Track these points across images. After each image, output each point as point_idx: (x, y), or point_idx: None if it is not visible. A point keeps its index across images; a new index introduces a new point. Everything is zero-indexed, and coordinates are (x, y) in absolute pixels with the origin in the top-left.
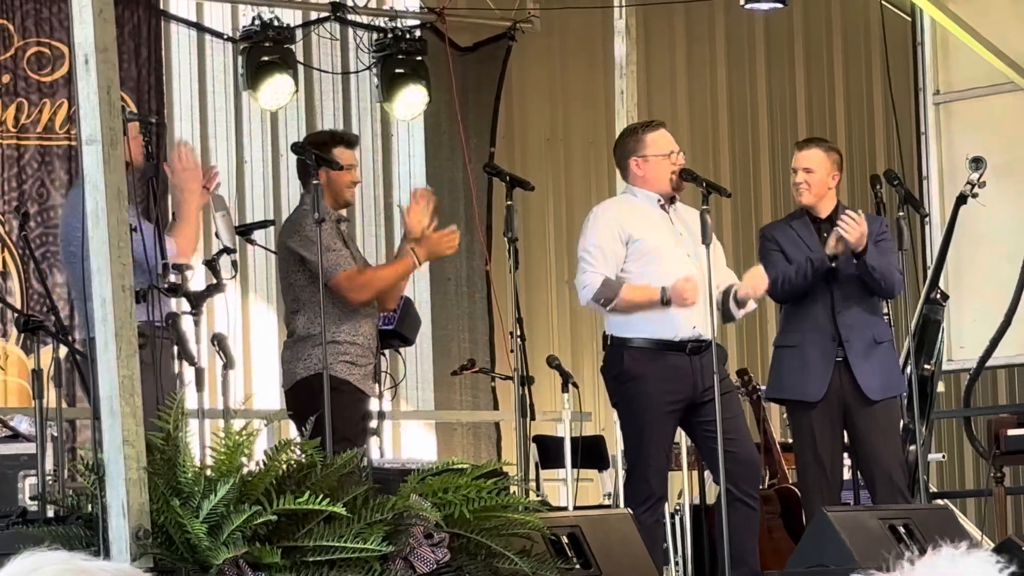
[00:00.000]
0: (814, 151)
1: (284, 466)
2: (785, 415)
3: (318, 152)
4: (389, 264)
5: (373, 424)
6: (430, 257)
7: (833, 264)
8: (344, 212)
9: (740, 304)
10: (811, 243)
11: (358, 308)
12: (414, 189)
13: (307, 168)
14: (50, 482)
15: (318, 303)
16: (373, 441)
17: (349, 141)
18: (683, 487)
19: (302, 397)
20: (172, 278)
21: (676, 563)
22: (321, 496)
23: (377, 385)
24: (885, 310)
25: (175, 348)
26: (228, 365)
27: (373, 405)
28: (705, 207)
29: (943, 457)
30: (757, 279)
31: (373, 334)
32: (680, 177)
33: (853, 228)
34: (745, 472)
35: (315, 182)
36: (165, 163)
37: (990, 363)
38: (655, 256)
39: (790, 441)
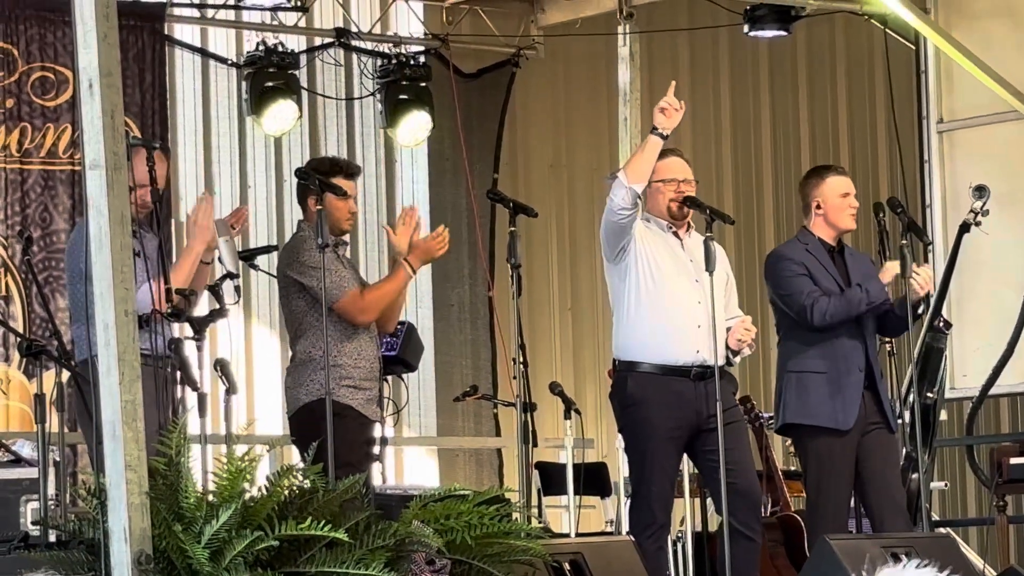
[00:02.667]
0: (848, 178)
1: (286, 492)
2: (790, 442)
3: (322, 178)
4: (385, 280)
5: (376, 450)
6: (424, 262)
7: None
8: (346, 237)
9: (734, 353)
10: (833, 272)
11: (359, 331)
12: (404, 207)
13: (305, 193)
14: (52, 507)
15: (320, 328)
16: (375, 467)
17: (349, 171)
18: (685, 514)
19: (305, 423)
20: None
21: None
22: (323, 522)
23: (381, 409)
24: (888, 339)
25: (178, 373)
26: (231, 390)
27: (377, 430)
28: (709, 234)
29: (945, 485)
30: (739, 332)
31: (375, 356)
32: (683, 204)
33: (926, 284)
34: (745, 504)
35: (319, 208)
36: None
37: (993, 391)
38: (661, 279)
39: (792, 469)
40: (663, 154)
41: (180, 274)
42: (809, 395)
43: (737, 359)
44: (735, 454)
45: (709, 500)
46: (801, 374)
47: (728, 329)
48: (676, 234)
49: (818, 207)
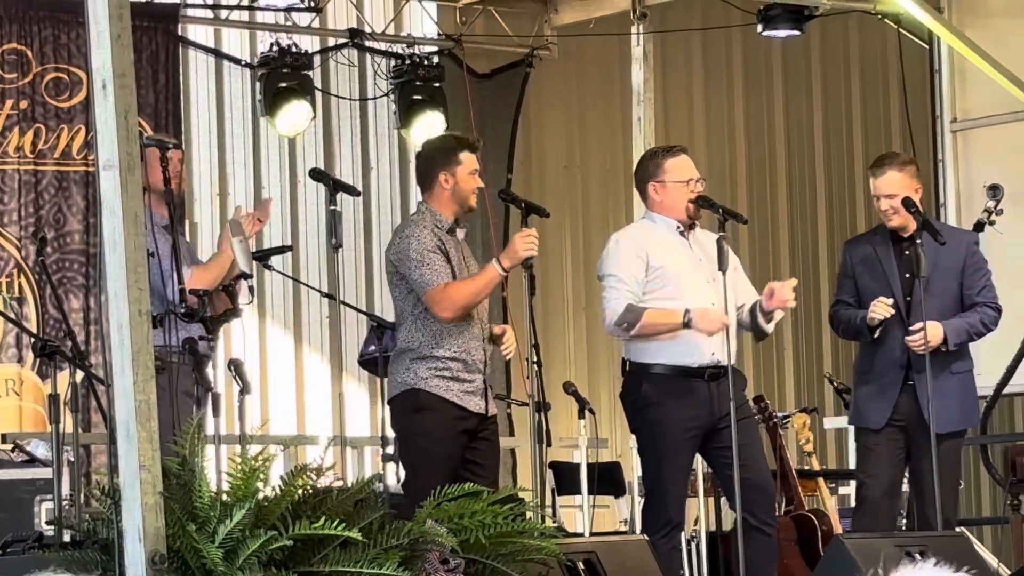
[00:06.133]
0: (890, 174)
1: (300, 491)
2: (804, 441)
3: (335, 179)
4: (473, 277)
5: (391, 449)
6: (513, 262)
7: (875, 336)
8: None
9: (768, 317)
10: (887, 265)
11: (460, 324)
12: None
13: (428, 172)
14: (66, 507)
15: (417, 316)
16: (390, 467)
17: (473, 145)
18: (699, 514)
19: (396, 413)
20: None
21: None
22: (337, 521)
23: (484, 401)
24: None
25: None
26: (244, 390)
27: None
28: (722, 233)
29: (960, 484)
30: (785, 293)
31: (479, 348)
32: (696, 204)
33: (921, 347)
34: (760, 499)
35: (331, 207)
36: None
37: (1007, 390)
38: (674, 282)
39: (806, 468)
40: (676, 152)
41: (210, 274)
42: (857, 396)
43: (770, 326)
44: (748, 450)
45: (723, 499)
46: (856, 375)
47: (757, 302)
48: (683, 233)
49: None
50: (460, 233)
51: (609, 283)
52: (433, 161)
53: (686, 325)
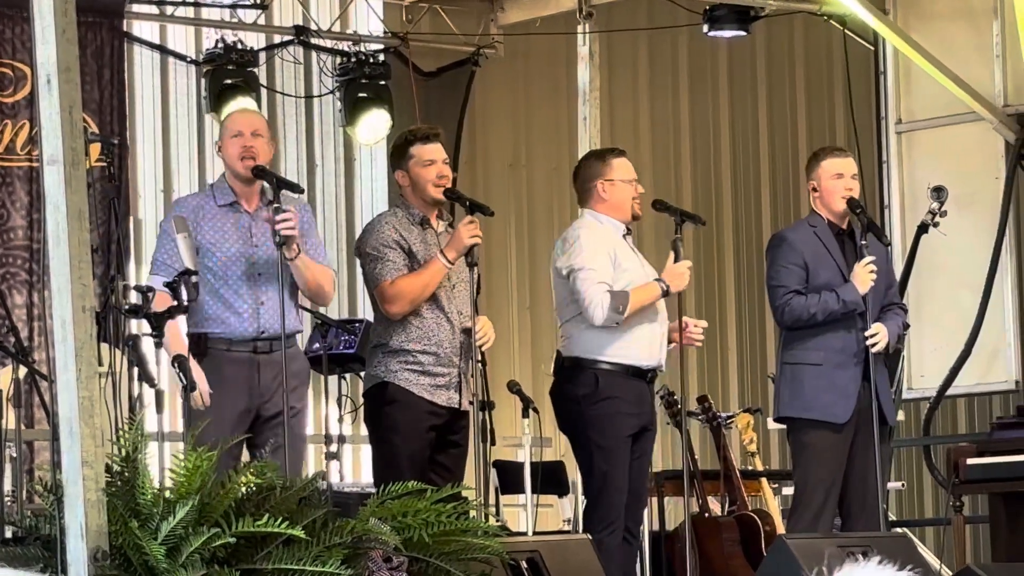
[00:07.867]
0: (851, 158)
1: (243, 488)
2: (748, 440)
3: (278, 176)
4: (419, 270)
5: (334, 447)
6: (458, 251)
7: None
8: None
9: (668, 341)
10: (837, 257)
11: (426, 316)
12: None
13: (394, 168)
14: (8, 503)
15: (378, 312)
16: (333, 465)
17: (426, 136)
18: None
19: (368, 406)
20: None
21: None
22: (280, 519)
23: (458, 394)
24: None
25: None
26: (189, 387)
27: (452, 415)
28: (677, 236)
29: (902, 485)
30: (696, 334)
31: (451, 341)
32: (653, 207)
33: (877, 348)
34: (636, 507)
35: (275, 205)
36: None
37: (950, 392)
38: (627, 284)
39: (749, 468)
40: (616, 153)
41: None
42: (803, 387)
43: (668, 350)
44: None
45: (668, 499)
46: (796, 366)
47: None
48: (625, 236)
49: (814, 189)
50: (440, 225)
51: (585, 276)
52: (391, 161)
53: (665, 293)
